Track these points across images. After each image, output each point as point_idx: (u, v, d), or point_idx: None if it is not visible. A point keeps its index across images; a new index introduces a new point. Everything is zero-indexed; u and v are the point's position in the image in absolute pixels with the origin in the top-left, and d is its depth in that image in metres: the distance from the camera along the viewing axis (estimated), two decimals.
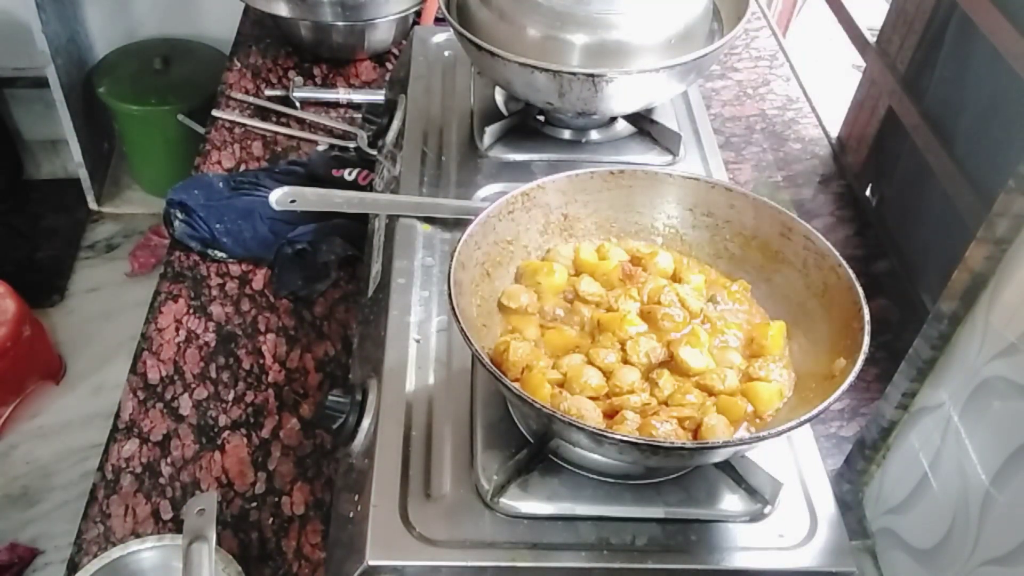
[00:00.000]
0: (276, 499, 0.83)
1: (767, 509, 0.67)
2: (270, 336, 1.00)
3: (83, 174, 2.37)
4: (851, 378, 0.60)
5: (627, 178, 0.79)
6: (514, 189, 0.76)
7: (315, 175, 1.17)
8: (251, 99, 1.35)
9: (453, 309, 0.63)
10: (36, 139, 2.50)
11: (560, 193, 0.78)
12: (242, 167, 1.23)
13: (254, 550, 0.80)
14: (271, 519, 0.82)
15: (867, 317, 0.64)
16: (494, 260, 0.75)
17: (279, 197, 0.89)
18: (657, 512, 0.66)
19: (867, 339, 0.62)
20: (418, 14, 1.40)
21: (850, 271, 0.68)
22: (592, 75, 0.85)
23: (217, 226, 1.08)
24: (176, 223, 1.10)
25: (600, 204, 0.79)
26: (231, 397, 0.93)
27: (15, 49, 2.22)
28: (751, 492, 0.68)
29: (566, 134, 0.99)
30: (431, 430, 0.70)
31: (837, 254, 0.69)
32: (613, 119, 1.00)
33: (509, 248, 0.76)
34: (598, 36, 0.90)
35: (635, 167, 0.79)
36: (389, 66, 1.42)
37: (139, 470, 0.86)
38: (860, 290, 0.66)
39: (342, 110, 1.33)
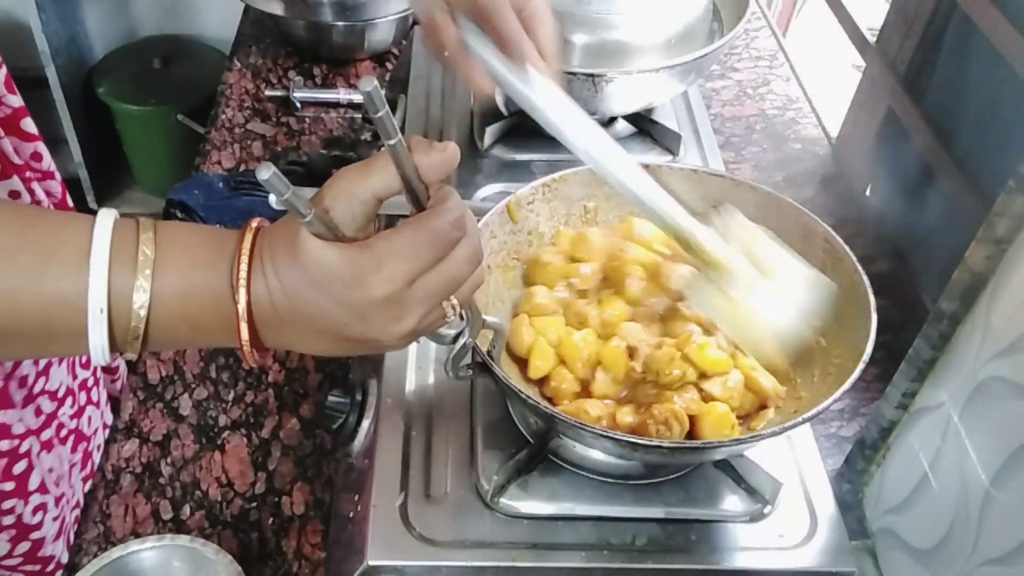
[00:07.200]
0: (276, 499, 0.83)
1: (767, 509, 0.67)
2: None
3: (83, 174, 2.37)
4: (852, 380, 0.60)
5: (651, 173, 0.78)
6: (515, 189, 0.76)
7: (315, 175, 1.17)
8: (251, 99, 1.34)
9: None
10: None
11: (582, 185, 0.78)
12: (242, 167, 1.23)
13: (254, 550, 0.79)
14: (271, 519, 0.82)
15: (874, 325, 0.64)
16: (511, 250, 0.75)
17: None
18: (657, 512, 0.66)
19: (870, 346, 0.62)
20: None
21: (865, 278, 0.67)
22: (592, 75, 0.85)
23: (217, 226, 1.08)
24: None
25: (621, 198, 0.79)
26: (231, 397, 0.93)
27: (15, 49, 2.22)
28: (751, 492, 0.68)
29: None
30: (431, 430, 0.70)
31: (855, 259, 0.69)
32: (613, 119, 1.00)
33: (528, 238, 0.76)
34: (598, 36, 0.90)
35: (658, 163, 0.79)
36: (389, 66, 1.42)
37: (139, 470, 0.85)
38: (872, 299, 0.66)
39: (342, 110, 1.33)
